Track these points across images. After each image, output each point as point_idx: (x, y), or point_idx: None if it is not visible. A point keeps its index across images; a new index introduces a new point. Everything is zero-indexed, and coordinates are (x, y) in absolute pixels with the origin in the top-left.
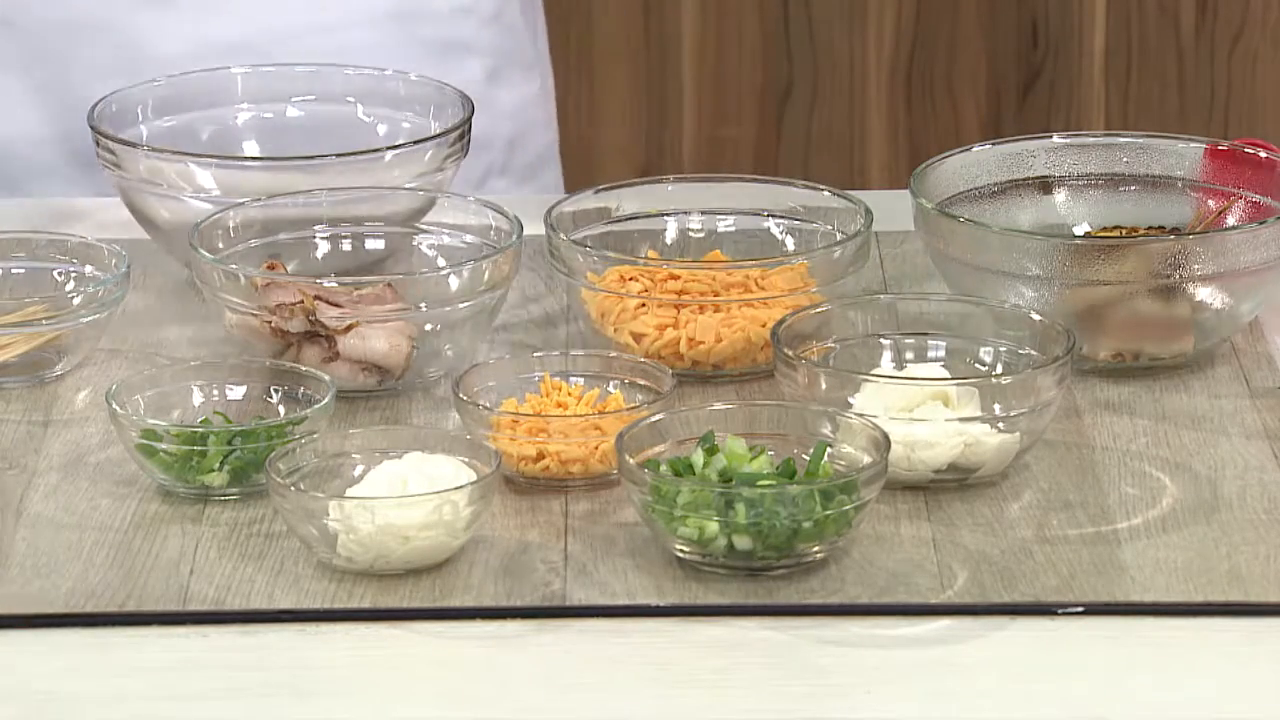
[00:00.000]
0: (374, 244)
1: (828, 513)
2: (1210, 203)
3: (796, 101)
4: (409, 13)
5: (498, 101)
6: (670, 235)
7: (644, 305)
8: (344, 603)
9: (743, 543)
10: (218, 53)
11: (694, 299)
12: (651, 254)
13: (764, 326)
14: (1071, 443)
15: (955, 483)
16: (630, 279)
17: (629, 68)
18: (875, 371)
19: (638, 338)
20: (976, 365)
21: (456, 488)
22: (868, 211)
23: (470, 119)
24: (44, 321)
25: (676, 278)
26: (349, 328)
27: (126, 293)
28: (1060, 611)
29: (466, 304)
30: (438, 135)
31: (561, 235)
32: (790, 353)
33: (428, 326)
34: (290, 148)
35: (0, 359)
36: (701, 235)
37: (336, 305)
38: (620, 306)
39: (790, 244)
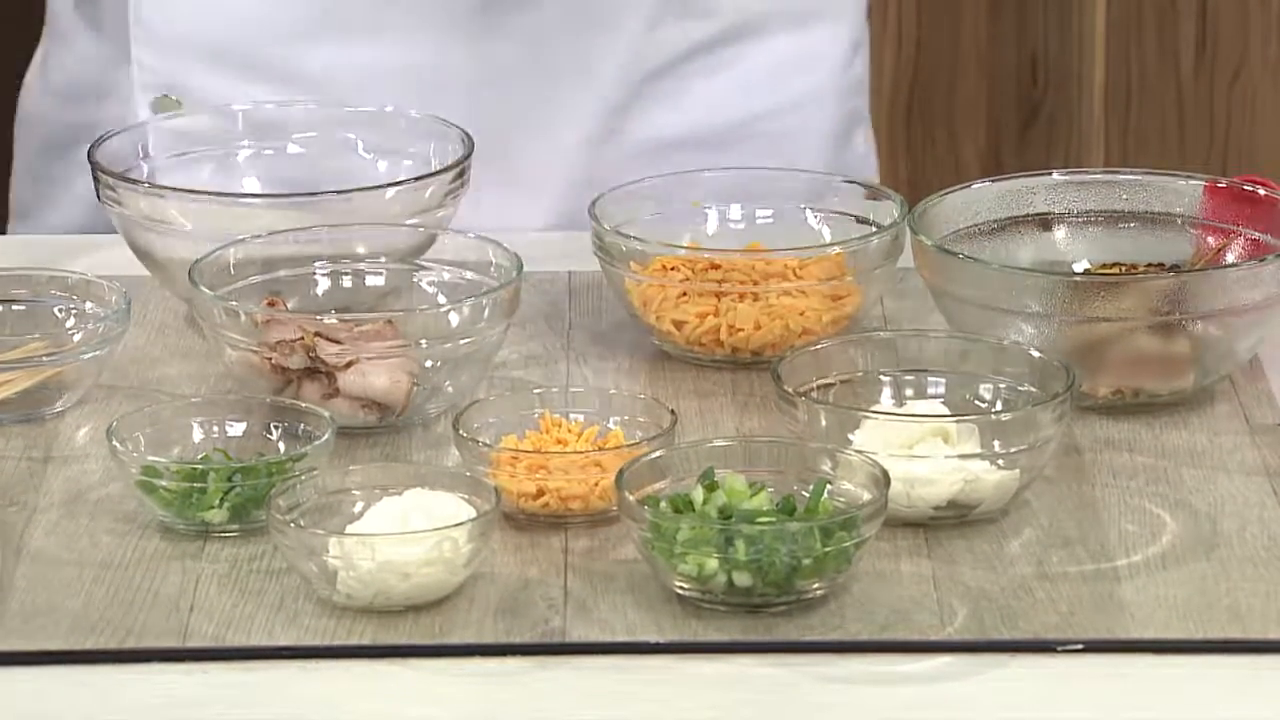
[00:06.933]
0: (374, 280)
1: (827, 549)
2: (1210, 240)
3: None
4: None
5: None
6: (711, 226)
7: (685, 294)
8: (344, 639)
9: (742, 579)
10: None
11: (734, 287)
12: (693, 244)
13: (802, 314)
14: (1071, 479)
15: (955, 519)
16: (672, 268)
17: None
18: (875, 408)
19: (679, 325)
20: (976, 402)
21: (456, 524)
22: (903, 204)
23: (470, 155)
24: (44, 358)
25: (717, 267)
26: (349, 364)
27: (127, 329)
28: (1060, 648)
29: (467, 340)
30: (438, 172)
31: (605, 225)
32: (790, 390)
33: (428, 363)
34: (291, 184)
35: (0, 395)
36: (741, 226)
37: (337, 342)
38: (662, 295)
39: (827, 234)
